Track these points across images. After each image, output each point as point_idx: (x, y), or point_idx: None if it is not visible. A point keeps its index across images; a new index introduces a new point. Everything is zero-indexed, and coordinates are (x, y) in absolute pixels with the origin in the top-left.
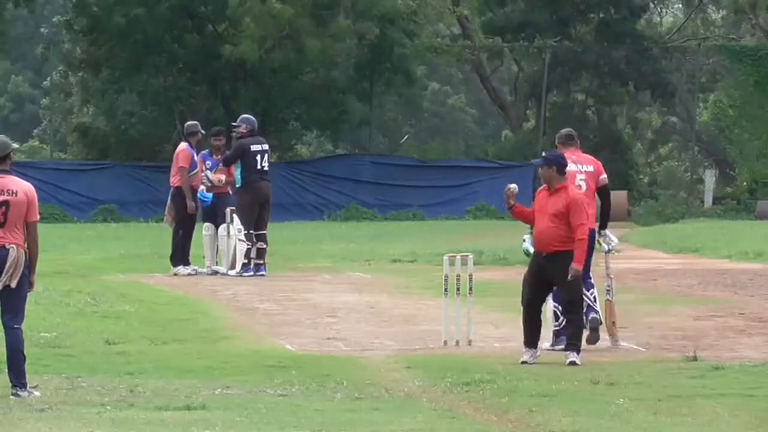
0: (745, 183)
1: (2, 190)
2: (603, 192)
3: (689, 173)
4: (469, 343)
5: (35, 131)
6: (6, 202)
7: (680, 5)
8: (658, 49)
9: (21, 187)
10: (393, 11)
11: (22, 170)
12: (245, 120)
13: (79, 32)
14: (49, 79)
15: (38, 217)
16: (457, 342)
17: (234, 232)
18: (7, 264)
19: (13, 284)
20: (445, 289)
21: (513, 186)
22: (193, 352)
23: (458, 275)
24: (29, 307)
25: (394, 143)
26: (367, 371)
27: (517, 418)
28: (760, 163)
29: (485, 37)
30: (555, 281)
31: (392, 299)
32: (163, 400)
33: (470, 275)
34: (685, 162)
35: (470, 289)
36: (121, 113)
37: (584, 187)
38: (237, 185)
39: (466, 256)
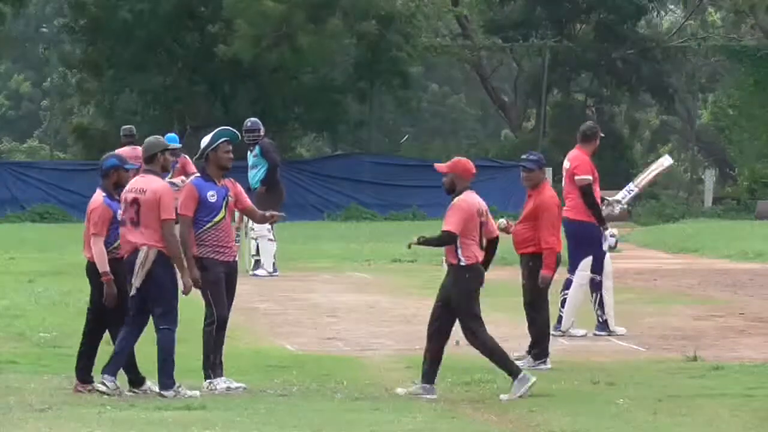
0: (745, 183)
1: (137, 189)
2: (580, 191)
3: (689, 173)
4: None
5: (36, 132)
6: (136, 201)
7: (676, 6)
8: (658, 49)
9: (151, 186)
10: (390, 13)
11: (22, 170)
12: (258, 123)
13: (78, 32)
14: (49, 80)
15: (170, 215)
16: (457, 342)
17: (249, 232)
18: (137, 265)
19: (136, 284)
20: None
21: (501, 221)
22: (193, 352)
23: None
24: (29, 306)
25: (394, 143)
26: (367, 371)
27: (517, 418)
28: (760, 163)
29: (485, 37)
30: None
31: (392, 299)
32: (163, 400)
33: None
34: (685, 162)
35: None
36: (121, 113)
37: (563, 183)
38: (257, 184)
39: None
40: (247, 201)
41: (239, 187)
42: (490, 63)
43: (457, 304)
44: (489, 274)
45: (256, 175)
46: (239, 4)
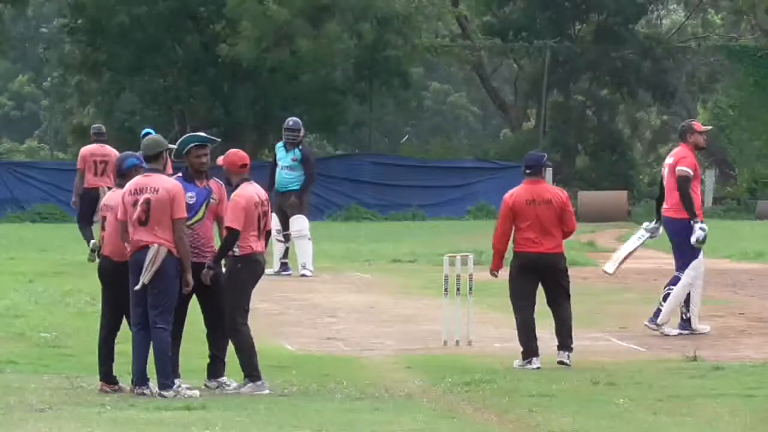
0: (745, 183)
1: (145, 188)
2: (676, 182)
3: None
4: (469, 343)
5: (36, 132)
6: (147, 201)
7: (677, 6)
8: (658, 49)
9: (164, 185)
10: (389, 14)
11: (22, 170)
12: (299, 123)
13: (77, 32)
14: (49, 79)
15: (183, 214)
16: (457, 342)
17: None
18: (146, 261)
19: (145, 280)
20: (445, 289)
21: None
22: (193, 352)
23: (458, 275)
24: (29, 306)
25: (394, 143)
26: (367, 371)
27: (517, 418)
28: (760, 163)
29: (485, 38)
30: None
31: (392, 299)
32: (163, 400)
33: (470, 275)
34: None
35: (470, 289)
36: (121, 113)
37: (665, 181)
38: (295, 188)
39: (466, 256)
40: (223, 211)
41: (224, 192)
42: (491, 63)
43: (226, 295)
44: (489, 275)
45: (293, 180)
46: (242, 5)
